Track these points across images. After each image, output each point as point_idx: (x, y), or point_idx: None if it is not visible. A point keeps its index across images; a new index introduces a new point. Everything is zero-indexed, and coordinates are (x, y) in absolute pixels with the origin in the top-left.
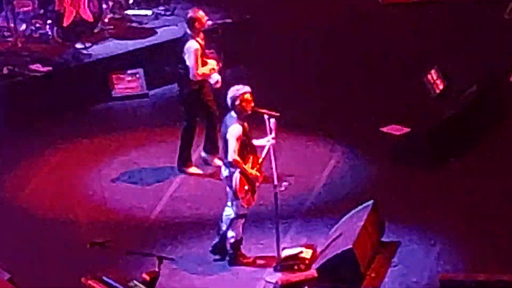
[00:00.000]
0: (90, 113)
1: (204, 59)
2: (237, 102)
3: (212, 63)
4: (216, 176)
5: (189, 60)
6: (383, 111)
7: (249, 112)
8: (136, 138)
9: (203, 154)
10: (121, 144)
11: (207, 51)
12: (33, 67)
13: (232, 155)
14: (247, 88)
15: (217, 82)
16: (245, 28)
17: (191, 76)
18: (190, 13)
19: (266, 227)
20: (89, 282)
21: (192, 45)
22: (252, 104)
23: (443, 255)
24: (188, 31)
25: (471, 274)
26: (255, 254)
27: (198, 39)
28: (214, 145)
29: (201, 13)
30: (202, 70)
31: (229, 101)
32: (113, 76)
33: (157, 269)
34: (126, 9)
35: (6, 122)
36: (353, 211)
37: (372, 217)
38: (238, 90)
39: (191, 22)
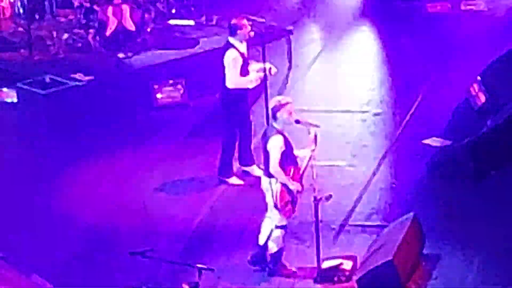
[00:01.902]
0: (132, 123)
1: (248, 68)
2: (279, 113)
3: (253, 75)
4: (257, 186)
5: (227, 68)
6: (425, 123)
7: (291, 123)
8: (177, 147)
9: (241, 166)
10: (162, 154)
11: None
12: (75, 76)
13: (273, 166)
14: (289, 99)
15: (270, 69)
16: (287, 39)
17: (227, 83)
18: (233, 21)
19: (306, 238)
20: None
21: (231, 54)
22: (294, 115)
23: (484, 269)
24: (230, 40)
25: None
26: (295, 265)
27: (239, 47)
28: (249, 155)
29: (244, 21)
30: (239, 79)
31: (270, 112)
32: (155, 86)
33: (197, 280)
34: (169, 19)
35: (48, 131)
36: (393, 223)
37: (412, 229)
38: (280, 100)
39: (233, 29)
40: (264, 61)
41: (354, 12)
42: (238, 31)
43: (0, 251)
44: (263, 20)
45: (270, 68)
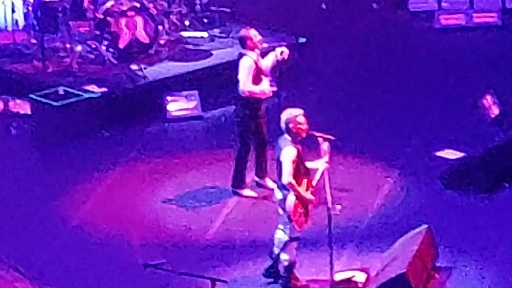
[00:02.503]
0: (145, 134)
1: (262, 77)
2: (291, 125)
3: (266, 85)
4: (270, 198)
5: (240, 73)
6: (439, 135)
7: (303, 135)
8: (191, 160)
9: (256, 178)
10: (176, 166)
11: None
12: (88, 88)
13: (287, 177)
14: (301, 111)
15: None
16: (300, 51)
17: (239, 90)
18: (242, 32)
19: (319, 250)
20: None
21: (245, 61)
22: (306, 127)
23: (497, 282)
24: (242, 51)
25: None
26: (308, 277)
27: (253, 56)
28: (265, 167)
29: (253, 32)
30: (252, 87)
31: (283, 124)
32: (168, 97)
33: None
34: (182, 31)
35: (61, 143)
36: (407, 235)
37: (426, 242)
38: (292, 113)
39: (243, 41)
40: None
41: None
42: (248, 42)
43: (10, 261)
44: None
45: (282, 52)
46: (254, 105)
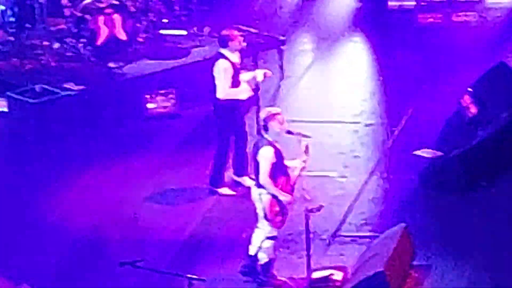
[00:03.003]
0: (123, 132)
1: (240, 79)
2: (270, 124)
3: (245, 88)
4: (248, 197)
5: (217, 78)
6: (417, 134)
7: (282, 133)
8: (169, 157)
9: (234, 176)
10: (154, 164)
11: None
12: (66, 85)
13: (263, 177)
14: (279, 109)
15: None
16: (279, 49)
17: (217, 94)
18: (224, 31)
19: (296, 249)
20: None
21: (222, 64)
22: (285, 126)
23: (474, 279)
24: (221, 50)
25: None
26: (285, 276)
27: (231, 57)
28: (244, 166)
29: (235, 32)
30: (229, 90)
31: (261, 122)
32: (146, 95)
33: None
34: (160, 29)
35: (38, 141)
36: (384, 234)
37: (403, 240)
38: (270, 111)
39: (223, 40)
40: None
41: (345, 22)
42: (229, 42)
43: None
44: (256, 30)
45: (265, 73)
46: (233, 104)
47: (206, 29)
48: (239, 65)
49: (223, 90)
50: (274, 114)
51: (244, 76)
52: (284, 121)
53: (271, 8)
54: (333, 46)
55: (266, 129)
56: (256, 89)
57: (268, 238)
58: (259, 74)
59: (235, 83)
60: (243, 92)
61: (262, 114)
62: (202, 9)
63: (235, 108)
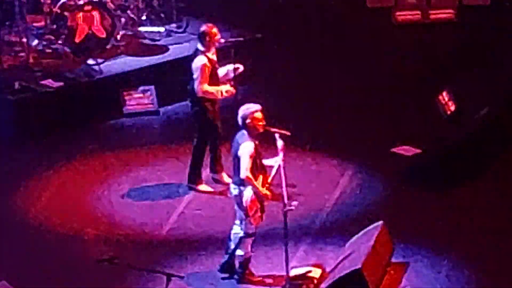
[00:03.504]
0: (101, 129)
1: (220, 78)
2: (248, 120)
3: (225, 87)
4: (226, 194)
5: (195, 75)
6: (394, 132)
7: (260, 130)
8: (147, 155)
9: (211, 173)
10: (132, 161)
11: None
12: (44, 82)
13: (245, 172)
14: (258, 106)
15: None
16: (257, 47)
17: (196, 91)
18: (203, 28)
19: (275, 246)
20: None
21: (200, 60)
22: (263, 123)
23: (452, 276)
24: (199, 47)
25: None
26: (263, 272)
27: (209, 54)
28: (219, 163)
29: (214, 30)
30: (207, 87)
31: (240, 119)
32: (125, 92)
33: (165, 287)
34: (139, 26)
35: (17, 137)
36: (362, 231)
37: (381, 238)
38: (249, 108)
39: (202, 37)
40: (234, 63)
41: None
42: (207, 38)
43: None
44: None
45: (237, 68)
46: (209, 101)
47: (185, 26)
48: (217, 62)
49: (202, 87)
50: (253, 111)
51: (221, 69)
52: (262, 118)
53: (249, 5)
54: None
55: (245, 125)
56: (234, 85)
57: (247, 235)
58: (231, 68)
59: (214, 79)
60: (223, 92)
61: (241, 111)
62: (181, 6)
63: (212, 104)
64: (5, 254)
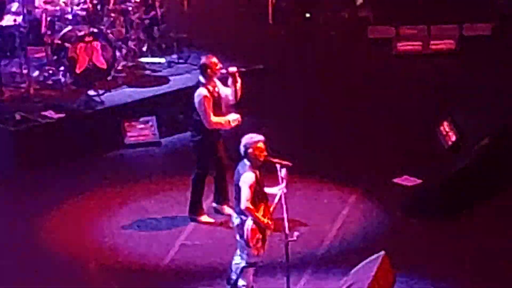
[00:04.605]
0: (103, 160)
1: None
2: (250, 151)
3: (233, 116)
4: (227, 224)
5: (199, 108)
6: (396, 162)
7: (262, 160)
8: (148, 186)
9: (213, 204)
10: (133, 192)
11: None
12: (45, 113)
13: (245, 203)
14: (261, 137)
15: (236, 120)
16: (259, 77)
17: (205, 124)
18: (203, 60)
19: (276, 277)
20: None
21: (201, 92)
22: (265, 153)
23: None
24: (201, 79)
25: None
26: None
27: (210, 86)
28: (224, 194)
29: (214, 60)
30: (215, 119)
31: (242, 149)
32: (126, 123)
33: None
34: (140, 57)
35: (18, 169)
36: (364, 262)
37: (383, 268)
38: (252, 138)
39: (203, 68)
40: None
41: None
42: (208, 70)
43: None
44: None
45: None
46: (210, 131)
47: (186, 57)
48: (220, 93)
49: (210, 120)
50: (256, 141)
51: (225, 89)
52: (265, 148)
53: (251, 37)
54: None
55: (247, 155)
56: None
57: (248, 265)
58: (229, 93)
59: (218, 110)
60: (231, 122)
61: (243, 141)
62: (182, 37)
63: (213, 135)
64: (7, 284)
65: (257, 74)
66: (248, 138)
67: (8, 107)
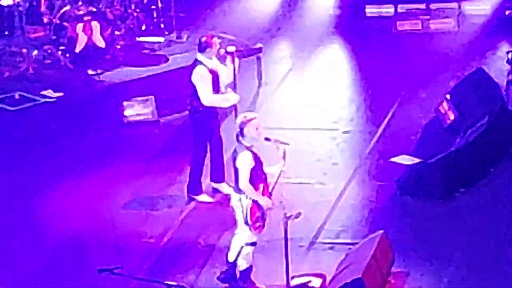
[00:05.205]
0: (101, 139)
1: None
2: (246, 129)
3: (230, 95)
4: (226, 203)
5: (197, 86)
6: (395, 141)
7: (258, 138)
8: (147, 164)
9: (212, 183)
10: (132, 171)
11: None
12: (44, 92)
13: (243, 182)
14: (255, 114)
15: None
16: (257, 56)
17: (203, 102)
18: (203, 38)
19: (275, 256)
20: None
21: (199, 70)
22: (260, 130)
23: (452, 284)
24: (198, 57)
25: None
26: (264, 282)
27: (208, 65)
28: (221, 173)
29: (214, 40)
30: (212, 97)
31: (237, 128)
32: (125, 102)
33: None
34: (138, 36)
35: (18, 147)
36: (363, 241)
37: (382, 247)
38: (246, 116)
39: (203, 47)
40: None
41: (324, 29)
42: (208, 49)
43: None
44: (234, 37)
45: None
46: (208, 110)
47: (185, 36)
48: (217, 71)
49: (207, 97)
50: (250, 119)
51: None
52: (260, 126)
53: (250, 15)
54: (311, 53)
55: (242, 134)
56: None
57: (248, 244)
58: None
59: (216, 89)
60: (229, 100)
61: (238, 120)
62: (181, 16)
63: (212, 114)
64: (7, 262)
65: (257, 53)
66: (243, 117)
67: (8, 87)
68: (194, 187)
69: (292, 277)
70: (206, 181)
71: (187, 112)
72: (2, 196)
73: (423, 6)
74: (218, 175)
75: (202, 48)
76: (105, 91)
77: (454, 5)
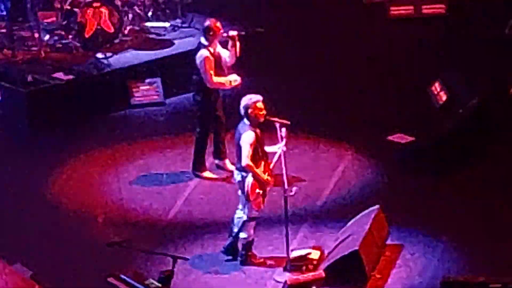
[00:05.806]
0: (110, 120)
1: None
2: (250, 110)
3: (233, 77)
4: (229, 180)
5: (201, 68)
6: (390, 121)
7: (261, 120)
8: (153, 143)
9: (216, 161)
10: (139, 150)
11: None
12: (55, 75)
13: (245, 160)
14: (259, 97)
15: (236, 81)
16: (259, 40)
17: (206, 83)
18: (207, 22)
19: (276, 230)
20: (108, 279)
21: (203, 53)
22: (264, 112)
23: (446, 258)
24: (202, 41)
25: (472, 276)
26: (265, 255)
27: (211, 48)
28: (222, 150)
29: (217, 24)
30: (216, 79)
31: (242, 110)
32: (132, 85)
33: (171, 268)
34: (145, 21)
35: (29, 128)
36: (359, 215)
37: (377, 221)
38: (251, 99)
39: (206, 31)
40: (234, 48)
41: None
42: (211, 33)
43: None
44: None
45: (233, 36)
46: (211, 91)
47: (189, 21)
48: (220, 55)
49: (211, 79)
50: (254, 101)
51: (226, 52)
52: (263, 108)
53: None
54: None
55: (246, 115)
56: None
57: (249, 219)
58: (229, 55)
59: (219, 71)
60: (232, 82)
61: (243, 101)
62: (185, 2)
63: (215, 94)
64: (19, 237)
65: (257, 37)
66: (247, 99)
67: (20, 70)
68: (199, 164)
69: (292, 250)
70: (209, 159)
71: (190, 93)
72: (17, 173)
73: None
74: (220, 153)
75: (206, 32)
76: (113, 74)
77: None
